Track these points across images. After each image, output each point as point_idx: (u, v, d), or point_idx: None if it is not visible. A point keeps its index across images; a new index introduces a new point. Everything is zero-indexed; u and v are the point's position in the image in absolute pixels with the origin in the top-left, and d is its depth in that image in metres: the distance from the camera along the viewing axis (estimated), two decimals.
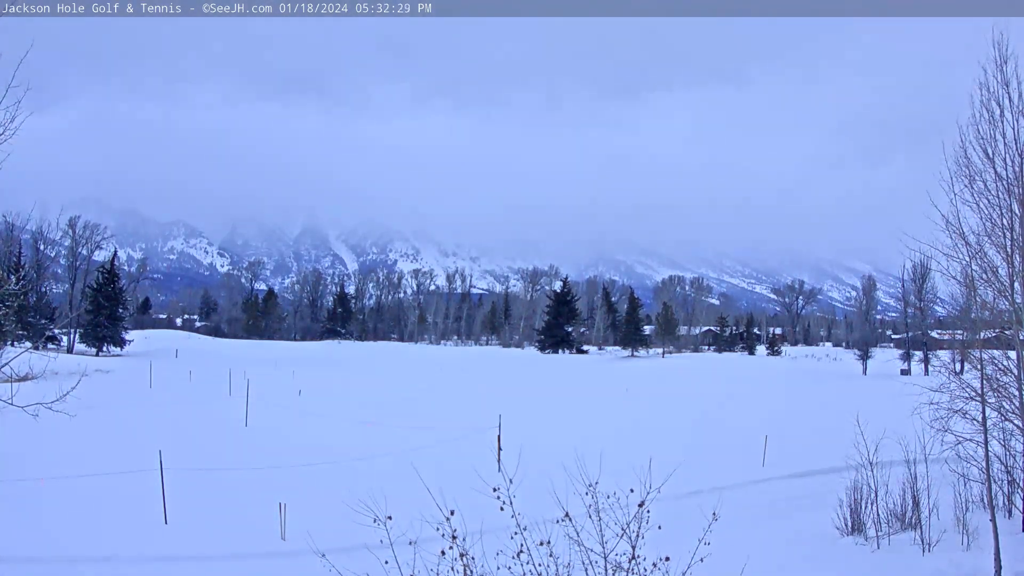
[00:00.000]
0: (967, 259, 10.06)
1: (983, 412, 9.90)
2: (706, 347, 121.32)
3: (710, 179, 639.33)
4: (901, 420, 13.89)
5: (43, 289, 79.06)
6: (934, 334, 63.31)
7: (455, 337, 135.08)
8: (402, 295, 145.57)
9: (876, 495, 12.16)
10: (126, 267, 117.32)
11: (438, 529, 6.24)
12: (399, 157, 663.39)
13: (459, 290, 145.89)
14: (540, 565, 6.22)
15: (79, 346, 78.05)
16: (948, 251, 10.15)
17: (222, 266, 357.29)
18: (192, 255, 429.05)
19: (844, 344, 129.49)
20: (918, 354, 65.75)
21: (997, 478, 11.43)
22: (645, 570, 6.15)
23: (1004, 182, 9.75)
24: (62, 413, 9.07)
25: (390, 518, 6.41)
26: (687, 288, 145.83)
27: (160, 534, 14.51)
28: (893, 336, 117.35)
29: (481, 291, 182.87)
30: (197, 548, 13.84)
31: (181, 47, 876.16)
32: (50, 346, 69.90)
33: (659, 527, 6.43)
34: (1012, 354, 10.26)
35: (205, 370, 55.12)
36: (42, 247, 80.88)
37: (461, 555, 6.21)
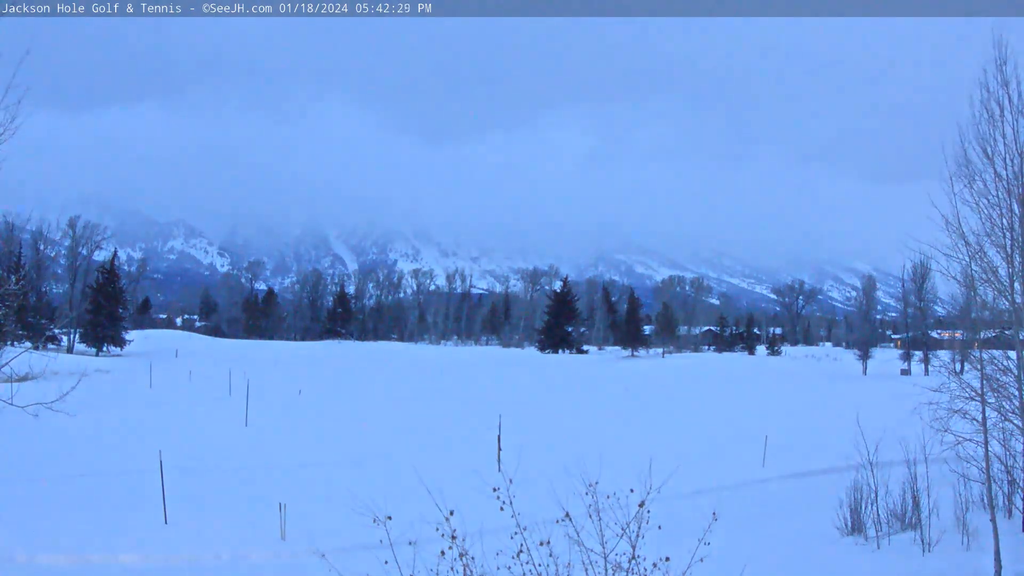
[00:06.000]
0: (967, 259, 10.07)
1: (983, 412, 9.91)
2: (706, 347, 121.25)
3: (709, 180, 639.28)
4: (901, 420, 13.91)
5: (43, 289, 79.09)
6: (934, 334, 63.24)
7: (455, 337, 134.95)
8: (402, 295, 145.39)
9: (876, 495, 12.16)
10: (126, 267, 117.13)
11: (438, 529, 6.24)
12: (399, 157, 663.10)
13: (459, 290, 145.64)
14: (540, 565, 6.22)
15: (79, 346, 78.00)
16: (948, 251, 10.16)
17: (222, 266, 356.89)
18: (192, 255, 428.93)
19: (844, 344, 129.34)
20: (918, 354, 65.71)
21: (997, 478, 11.43)
22: (645, 570, 6.16)
23: (1004, 182, 9.76)
24: (62, 413, 9.09)
25: (390, 518, 6.41)
26: (687, 288, 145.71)
27: (160, 534, 14.50)
28: (893, 336, 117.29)
29: (481, 291, 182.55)
30: (197, 548, 13.84)
31: (181, 48, 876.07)
32: (50, 346, 69.89)
33: (659, 527, 6.43)
34: (1012, 354, 10.27)
35: (205, 370, 55.11)
36: (42, 247, 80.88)
37: (461, 555, 6.21)
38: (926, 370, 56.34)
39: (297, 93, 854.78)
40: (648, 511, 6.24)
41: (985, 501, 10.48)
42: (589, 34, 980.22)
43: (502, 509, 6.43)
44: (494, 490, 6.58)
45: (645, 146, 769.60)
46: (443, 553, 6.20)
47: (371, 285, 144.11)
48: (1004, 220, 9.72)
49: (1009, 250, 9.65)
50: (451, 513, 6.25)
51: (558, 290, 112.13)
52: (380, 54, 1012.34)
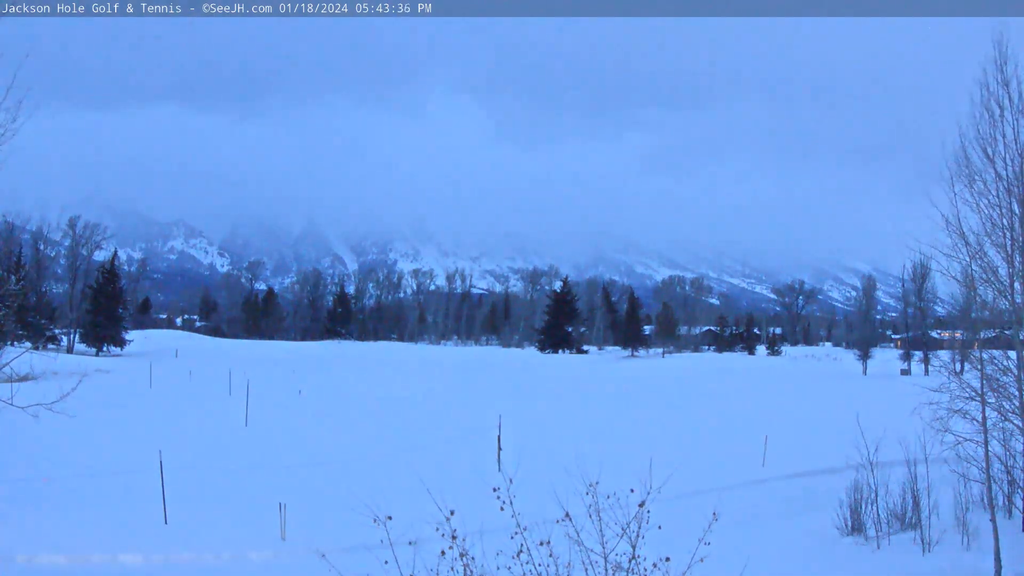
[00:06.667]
0: (967, 259, 10.08)
1: (983, 412, 9.91)
2: (706, 347, 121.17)
3: (712, 179, 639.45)
4: (901, 420, 13.91)
5: (43, 289, 78.96)
6: (934, 334, 63.22)
7: (455, 337, 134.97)
8: (402, 295, 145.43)
9: (876, 495, 12.18)
10: (126, 267, 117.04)
11: (438, 529, 6.23)
12: (399, 157, 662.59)
13: (459, 290, 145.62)
14: (540, 565, 6.21)
15: (79, 346, 77.95)
16: (948, 251, 10.17)
17: (222, 266, 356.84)
18: (192, 255, 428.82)
19: (844, 344, 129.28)
20: (918, 354, 65.68)
21: (997, 478, 11.44)
22: (645, 570, 6.15)
23: (1004, 182, 9.77)
24: (62, 413, 9.09)
25: (390, 518, 6.41)
26: (687, 288, 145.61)
27: (160, 534, 14.50)
28: (893, 336, 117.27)
29: (481, 291, 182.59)
30: (197, 548, 13.84)
31: (182, 48, 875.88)
32: (50, 346, 69.88)
33: (659, 527, 6.43)
34: (1012, 354, 10.27)
35: (205, 370, 55.10)
36: (42, 247, 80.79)
37: (461, 555, 6.21)
38: (926, 370, 56.32)
39: (301, 94, 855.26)
40: (648, 511, 6.24)
41: (985, 501, 10.48)
42: (587, 34, 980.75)
43: (502, 509, 6.43)
44: (494, 490, 6.57)
45: (645, 149, 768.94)
46: (443, 553, 6.20)
47: (371, 285, 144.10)
48: (1004, 220, 9.73)
49: (1009, 250, 9.66)
50: (451, 513, 6.24)
51: (558, 290, 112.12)
52: (385, 53, 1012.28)
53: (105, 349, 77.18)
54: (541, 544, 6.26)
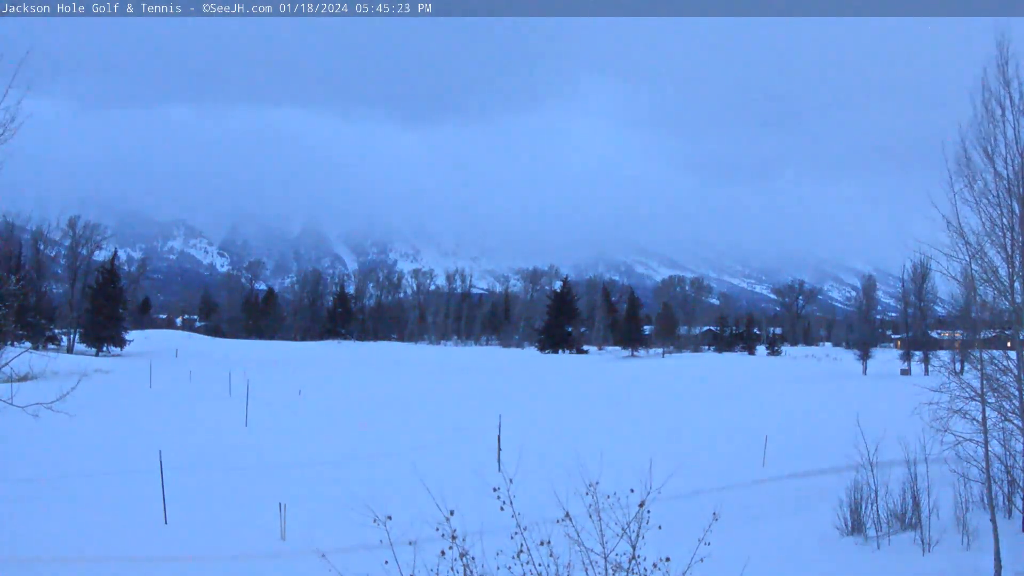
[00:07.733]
0: (967, 259, 10.07)
1: (983, 412, 9.91)
2: (706, 347, 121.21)
3: (714, 179, 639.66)
4: (901, 420, 13.92)
5: (43, 289, 78.95)
6: (934, 334, 63.22)
7: (455, 337, 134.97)
8: (402, 295, 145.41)
9: (876, 495, 12.17)
10: (126, 267, 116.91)
11: (438, 529, 6.23)
12: (399, 158, 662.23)
13: (459, 290, 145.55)
14: (540, 565, 6.21)
15: (79, 346, 77.98)
16: (948, 251, 10.16)
17: (222, 266, 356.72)
18: (192, 255, 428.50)
19: (844, 344, 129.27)
20: (918, 354, 65.66)
21: (997, 478, 11.44)
22: (645, 570, 6.15)
23: (1004, 182, 9.77)
24: (62, 413, 9.08)
25: (390, 518, 6.40)
26: (687, 288, 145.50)
27: (160, 534, 14.51)
28: (893, 336, 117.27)
29: (481, 291, 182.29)
30: (197, 548, 13.84)
31: (181, 48, 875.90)
32: (50, 346, 69.90)
33: (659, 527, 6.43)
34: (1012, 354, 10.26)
35: (205, 370, 55.12)
36: (42, 247, 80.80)
37: (461, 555, 6.20)
38: (926, 370, 56.31)
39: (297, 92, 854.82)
40: (648, 511, 6.23)
41: (985, 501, 10.48)
42: (595, 30, 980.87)
43: (502, 509, 6.43)
44: (494, 490, 6.57)
45: (648, 148, 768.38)
46: (443, 553, 6.20)
47: (371, 285, 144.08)
48: (1005, 220, 9.73)
49: (1009, 250, 9.66)
50: (451, 513, 6.24)
51: (558, 290, 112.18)
52: (374, 53, 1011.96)
53: (105, 349, 77.18)
54: (541, 544, 6.25)
